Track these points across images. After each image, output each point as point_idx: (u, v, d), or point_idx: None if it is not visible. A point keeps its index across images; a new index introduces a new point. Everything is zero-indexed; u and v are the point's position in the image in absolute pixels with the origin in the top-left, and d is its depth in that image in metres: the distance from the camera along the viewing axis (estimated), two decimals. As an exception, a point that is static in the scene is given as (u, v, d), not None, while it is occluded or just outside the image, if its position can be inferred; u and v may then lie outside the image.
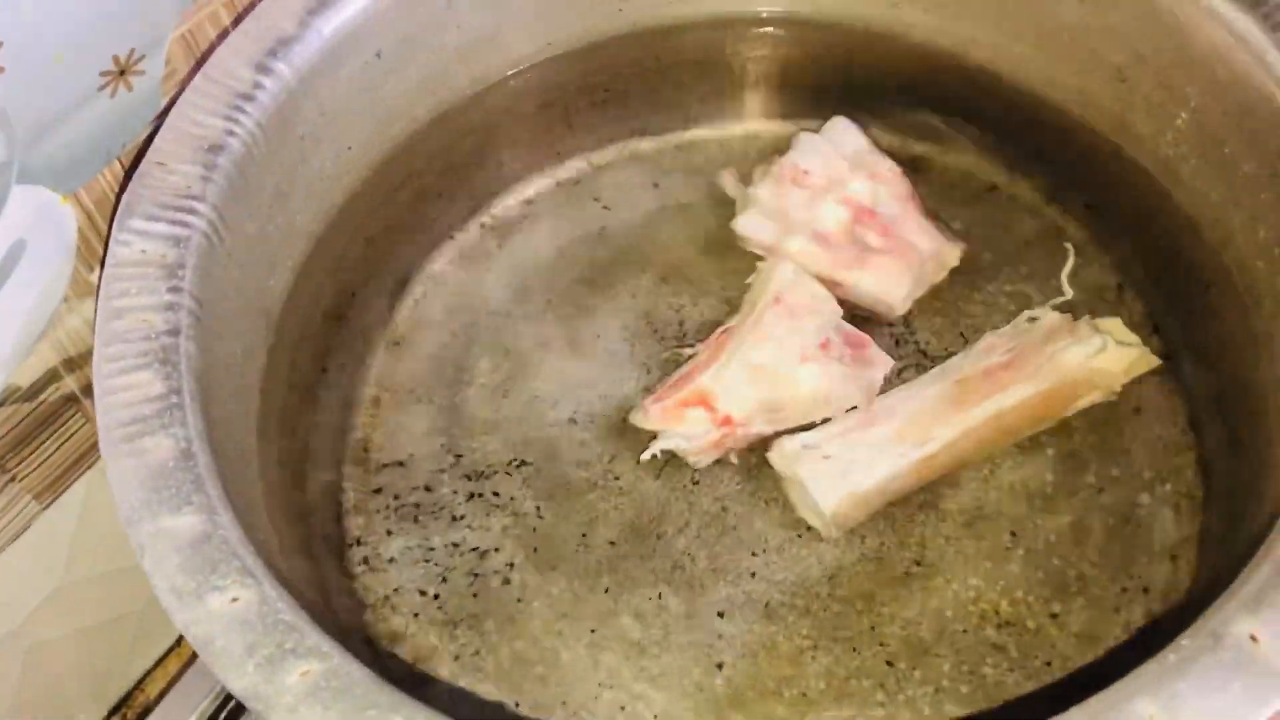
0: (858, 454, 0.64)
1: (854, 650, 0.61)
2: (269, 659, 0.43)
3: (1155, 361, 0.67)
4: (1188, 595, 0.60)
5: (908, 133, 0.80)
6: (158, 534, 0.46)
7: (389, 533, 0.67)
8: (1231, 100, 0.60)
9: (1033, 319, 0.69)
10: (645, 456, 0.67)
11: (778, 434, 0.66)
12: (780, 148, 0.77)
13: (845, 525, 0.64)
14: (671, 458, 0.67)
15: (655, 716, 0.60)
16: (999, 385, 0.65)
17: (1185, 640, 0.41)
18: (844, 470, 0.63)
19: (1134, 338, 0.67)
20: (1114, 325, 0.67)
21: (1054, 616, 0.61)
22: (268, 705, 0.41)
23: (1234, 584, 0.43)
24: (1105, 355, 0.65)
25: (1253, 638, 0.40)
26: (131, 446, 0.49)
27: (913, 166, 0.77)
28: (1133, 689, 0.40)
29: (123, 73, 0.62)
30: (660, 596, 0.63)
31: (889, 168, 0.74)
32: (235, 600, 0.44)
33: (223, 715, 0.73)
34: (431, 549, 0.66)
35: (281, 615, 0.44)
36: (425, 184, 0.75)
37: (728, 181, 0.79)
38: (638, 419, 0.68)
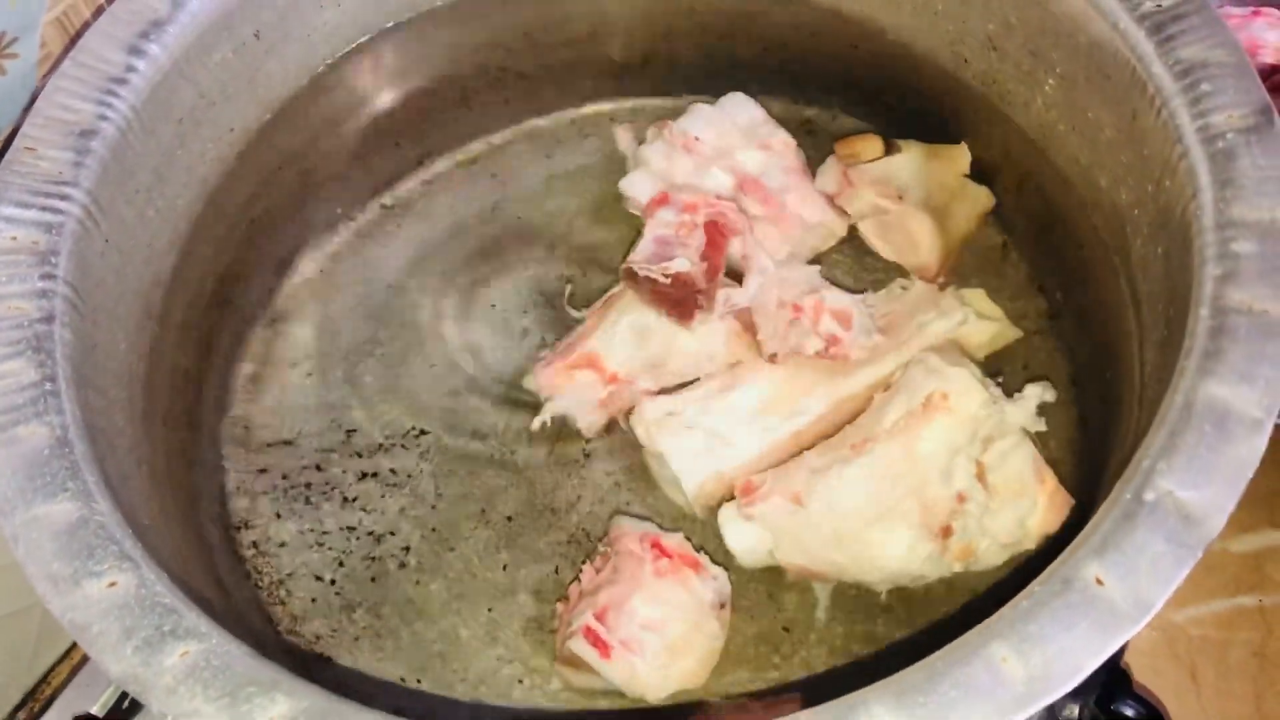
0: (721, 425, 0.64)
1: (750, 618, 0.62)
2: (147, 641, 0.43)
3: (1016, 334, 0.69)
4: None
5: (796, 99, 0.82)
6: (32, 522, 0.46)
7: (278, 515, 0.67)
8: (1092, 65, 0.62)
9: (905, 286, 0.70)
10: (535, 425, 0.68)
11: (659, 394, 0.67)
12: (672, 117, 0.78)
13: (708, 504, 0.64)
14: (563, 427, 0.68)
15: (557, 689, 0.61)
16: (871, 356, 0.66)
17: (1037, 586, 0.43)
18: (709, 446, 0.63)
19: (997, 311, 0.69)
20: (977, 297, 0.70)
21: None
22: (146, 687, 0.42)
23: (1083, 531, 0.44)
24: (967, 328, 0.67)
25: (1098, 580, 0.42)
26: (4, 436, 0.48)
27: (805, 130, 0.79)
28: (988, 634, 0.42)
29: (-7, 57, 0.61)
30: (557, 571, 0.64)
31: (782, 140, 0.76)
32: (113, 585, 0.44)
33: (126, 703, 0.72)
34: (326, 532, 0.66)
35: (160, 598, 0.44)
36: (311, 165, 0.75)
37: (621, 136, 0.80)
38: (529, 382, 0.69)
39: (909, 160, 0.76)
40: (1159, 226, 0.57)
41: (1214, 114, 0.54)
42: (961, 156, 0.76)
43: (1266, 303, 0.48)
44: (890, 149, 0.77)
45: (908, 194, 0.74)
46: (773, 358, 0.66)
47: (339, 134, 0.76)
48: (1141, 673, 0.82)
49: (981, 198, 0.75)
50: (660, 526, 0.64)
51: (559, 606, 0.62)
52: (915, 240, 0.73)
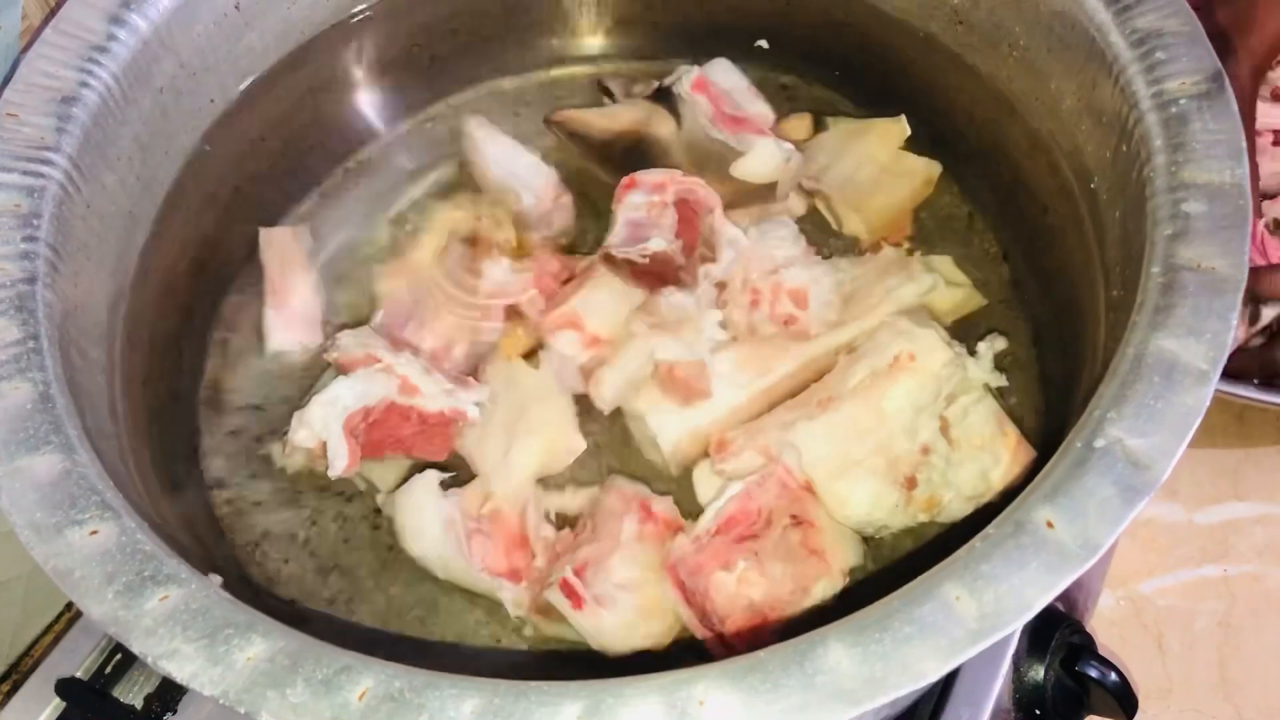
0: None
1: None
2: (128, 586, 0.44)
3: (981, 300, 0.71)
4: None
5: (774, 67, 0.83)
6: (15, 473, 0.47)
7: (252, 475, 0.67)
8: (1053, 36, 0.63)
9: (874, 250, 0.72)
10: None
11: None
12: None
13: (684, 463, 0.65)
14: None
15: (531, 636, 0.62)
16: (841, 319, 0.67)
17: (991, 529, 0.45)
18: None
19: (963, 278, 0.71)
20: (945, 264, 0.71)
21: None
22: (127, 629, 0.43)
23: (1036, 478, 0.46)
24: (935, 294, 0.68)
25: (1049, 524, 0.44)
26: (-12, 393, 0.49)
27: (784, 95, 0.80)
28: (942, 575, 0.43)
29: (-25, 28, 0.62)
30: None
31: (759, 110, 0.77)
32: (95, 533, 0.45)
33: (109, 667, 0.73)
34: (299, 492, 0.66)
35: (141, 545, 0.45)
36: (292, 133, 0.76)
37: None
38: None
39: (831, 138, 0.77)
40: (1117, 190, 0.58)
41: (1168, 80, 0.56)
42: (898, 130, 0.76)
43: (1214, 260, 0.50)
44: (819, 127, 0.79)
45: (827, 172, 0.75)
46: (734, 338, 0.68)
47: (315, 104, 0.77)
48: (1110, 641, 0.85)
49: (921, 169, 0.76)
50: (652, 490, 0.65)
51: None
52: (837, 217, 0.75)
